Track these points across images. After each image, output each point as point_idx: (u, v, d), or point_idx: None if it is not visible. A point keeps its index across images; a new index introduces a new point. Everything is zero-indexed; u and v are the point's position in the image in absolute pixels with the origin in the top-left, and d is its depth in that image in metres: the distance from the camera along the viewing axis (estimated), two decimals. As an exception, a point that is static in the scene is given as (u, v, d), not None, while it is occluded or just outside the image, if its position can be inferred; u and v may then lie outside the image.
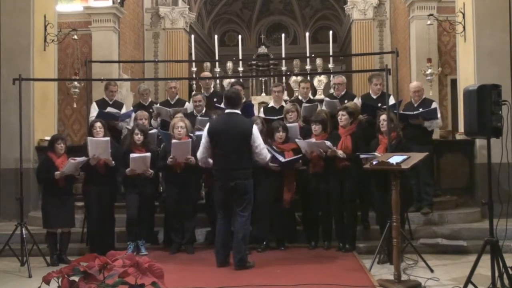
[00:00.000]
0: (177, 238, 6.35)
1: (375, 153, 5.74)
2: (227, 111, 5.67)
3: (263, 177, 6.21)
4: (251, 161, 5.59)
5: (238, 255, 5.42)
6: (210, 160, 5.68)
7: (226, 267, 5.46)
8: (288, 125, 6.45)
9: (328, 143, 6.02)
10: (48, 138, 6.80)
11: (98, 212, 6.20)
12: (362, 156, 5.75)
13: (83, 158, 6.07)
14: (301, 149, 6.20)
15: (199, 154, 5.72)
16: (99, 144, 6.09)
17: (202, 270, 5.43)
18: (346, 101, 7.02)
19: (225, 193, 5.49)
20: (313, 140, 6.14)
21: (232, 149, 5.43)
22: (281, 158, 6.07)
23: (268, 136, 6.38)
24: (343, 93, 7.32)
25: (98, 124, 6.30)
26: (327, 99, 7.27)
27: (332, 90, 7.67)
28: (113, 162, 6.16)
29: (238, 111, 5.62)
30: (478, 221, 6.97)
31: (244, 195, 5.47)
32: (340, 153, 6.02)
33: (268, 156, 5.72)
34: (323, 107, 7.17)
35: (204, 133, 5.64)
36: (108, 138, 6.17)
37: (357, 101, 7.21)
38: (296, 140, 6.26)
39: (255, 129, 5.57)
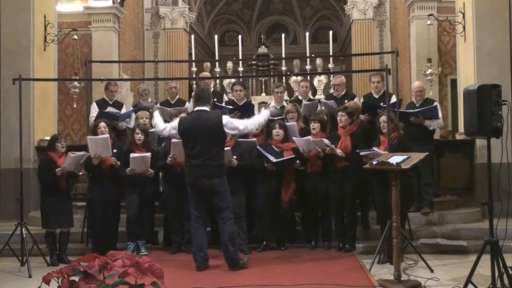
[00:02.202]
0: (177, 238, 6.36)
1: (375, 149, 5.74)
2: (196, 108, 5.67)
3: (263, 177, 6.22)
4: (222, 159, 5.55)
5: (228, 255, 5.40)
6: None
7: (225, 268, 5.45)
8: (286, 123, 6.45)
9: (326, 140, 6.02)
10: (48, 138, 6.80)
11: (103, 213, 6.19)
12: (362, 153, 5.76)
13: (82, 153, 6.06)
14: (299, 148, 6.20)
15: (162, 128, 5.73)
16: (98, 142, 6.09)
17: (202, 270, 5.41)
18: (346, 101, 7.02)
19: (194, 190, 5.46)
20: (310, 137, 6.14)
21: (202, 146, 5.39)
22: (272, 158, 6.06)
23: (267, 135, 6.38)
24: (343, 93, 7.33)
25: (103, 124, 6.31)
26: (324, 100, 7.26)
27: (332, 90, 7.68)
28: (118, 162, 6.17)
29: (207, 108, 5.60)
30: (478, 221, 6.96)
31: (213, 196, 5.41)
32: (339, 151, 6.02)
33: (244, 123, 5.55)
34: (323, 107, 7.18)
35: (175, 124, 5.63)
36: (107, 136, 6.17)
37: (357, 101, 7.22)
38: (294, 138, 6.25)
39: (224, 117, 5.52)
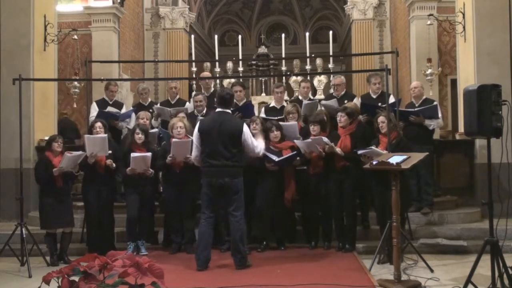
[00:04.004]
0: (177, 238, 6.35)
1: (372, 147, 5.74)
2: (218, 109, 5.68)
3: (263, 177, 6.22)
4: (241, 160, 5.58)
5: (238, 255, 5.43)
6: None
7: (226, 268, 5.46)
8: (284, 123, 6.45)
9: (325, 139, 6.02)
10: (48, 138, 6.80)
11: (97, 212, 6.20)
12: (359, 151, 5.76)
13: (79, 152, 6.05)
14: (299, 149, 6.19)
15: (193, 154, 5.71)
16: (96, 141, 6.09)
17: (202, 270, 5.42)
18: (345, 101, 7.03)
19: (212, 190, 5.48)
20: (310, 138, 6.14)
21: (222, 147, 5.42)
22: (274, 157, 6.06)
23: (265, 136, 6.37)
24: (342, 93, 7.33)
25: (99, 124, 6.30)
26: (324, 102, 7.26)
27: (332, 90, 7.69)
28: (114, 164, 6.17)
29: (228, 111, 5.66)
30: (478, 221, 6.96)
31: (233, 194, 5.46)
32: (338, 150, 6.02)
33: (259, 147, 5.66)
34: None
35: (195, 132, 5.63)
36: (105, 135, 6.16)
37: (357, 101, 7.22)
38: (295, 140, 6.25)
39: (246, 128, 5.57)
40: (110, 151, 6.19)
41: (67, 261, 5.84)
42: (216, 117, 5.62)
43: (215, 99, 5.86)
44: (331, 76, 8.54)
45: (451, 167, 7.85)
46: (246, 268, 5.40)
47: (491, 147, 4.34)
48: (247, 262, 5.46)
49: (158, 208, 6.91)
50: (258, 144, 5.67)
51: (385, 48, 12.60)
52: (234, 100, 7.35)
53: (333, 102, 6.99)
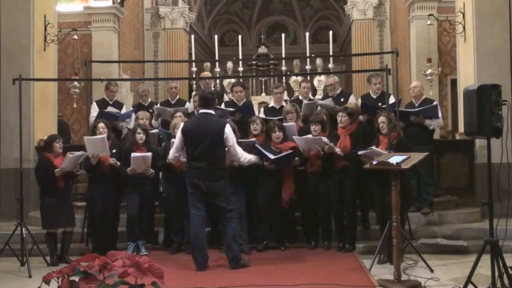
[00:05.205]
0: (177, 238, 6.35)
1: (373, 147, 5.74)
2: (201, 111, 5.66)
3: (263, 177, 6.22)
4: (225, 162, 5.58)
5: (230, 253, 5.42)
6: (183, 159, 5.71)
7: (225, 267, 5.45)
8: (284, 124, 6.45)
9: (325, 139, 6.02)
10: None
11: (102, 213, 6.18)
12: (360, 152, 5.76)
13: (81, 152, 6.06)
14: (299, 147, 6.20)
15: (171, 153, 5.71)
16: (96, 142, 6.08)
17: (202, 270, 5.41)
18: (342, 100, 7.06)
19: (196, 191, 5.46)
20: (310, 136, 6.14)
21: (206, 149, 5.42)
22: (270, 156, 6.06)
23: (266, 136, 6.38)
24: (338, 92, 7.36)
25: (101, 124, 6.30)
26: (320, 102, 7.26)
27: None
28: (118, 163, 6.17)
29: (212, 111, 5.63)
30: (478, 221, 6.96)
31: (218, 197, 5.45)
32: (338, 150, 6.02)
33: (244, 155, 5.68)
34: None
35: (178, 133, 5.61)
36: (104, 136, 6.15)
37: (354, 99, 7.23)
38: (293, 137, 6.25)
39: (228, 129, 5.53)
40: (114, 150, 6.20)
41: (67, 261, 5.83)
42: (200, 119, 5.59)
43: (197, 100, 5.85)
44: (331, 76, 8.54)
45: (451, 167, 7.85)
46: (240, 268, 5.38)
47: (491, 147, 4.34)
48: (240, 261, 5.43)
49: (158, 208, 6.90)
50: (243, 152, 5.67)
51: (385, 48, 12.60)
52: (234, 100, 7.40)
53: (328, 101, 7.01)
